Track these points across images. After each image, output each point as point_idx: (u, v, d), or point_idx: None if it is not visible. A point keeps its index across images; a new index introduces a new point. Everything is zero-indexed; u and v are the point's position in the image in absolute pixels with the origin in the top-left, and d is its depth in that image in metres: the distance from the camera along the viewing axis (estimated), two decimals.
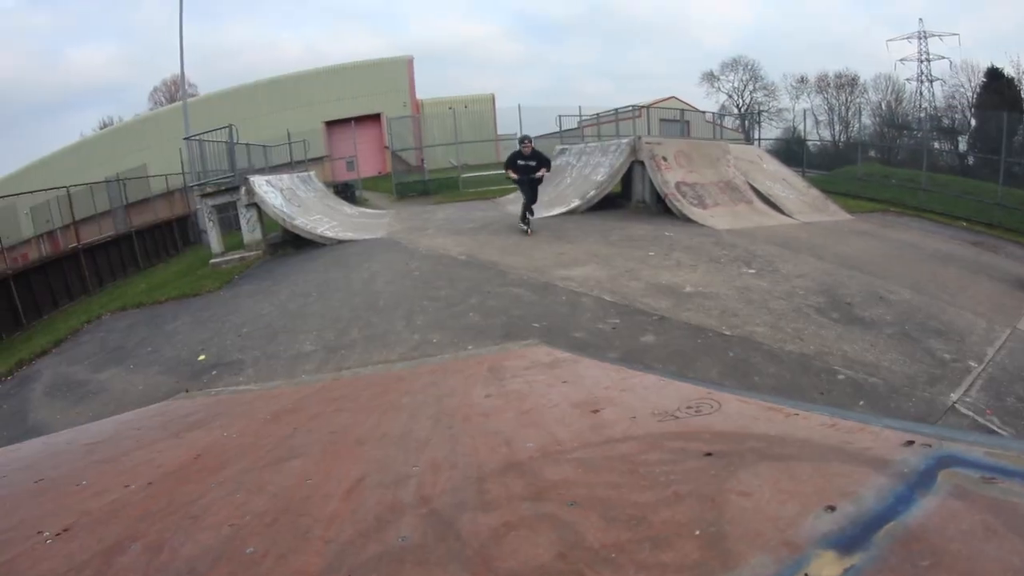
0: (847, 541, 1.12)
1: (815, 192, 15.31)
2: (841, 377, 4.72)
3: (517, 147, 10.95)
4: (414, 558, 1.31)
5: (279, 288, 8.74)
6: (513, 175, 10.59)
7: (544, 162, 10.76)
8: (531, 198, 10.75)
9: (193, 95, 34.49)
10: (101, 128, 40.20)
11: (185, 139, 12.74)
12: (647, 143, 13.01)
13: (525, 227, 10.81)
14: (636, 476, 1.55)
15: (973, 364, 5.25)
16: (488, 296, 6.97)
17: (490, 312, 6.41)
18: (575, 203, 13.13)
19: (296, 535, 1.55)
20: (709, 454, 1.62)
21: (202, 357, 6.49)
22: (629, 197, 13.68)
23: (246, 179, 11.66)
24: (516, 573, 1.18)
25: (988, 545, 1.06)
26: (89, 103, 71.03)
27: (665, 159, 12.81)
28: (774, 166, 16.44)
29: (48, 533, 1.90)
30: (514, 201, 16.38)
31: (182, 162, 18.09)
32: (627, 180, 13.67)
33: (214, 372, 5.98)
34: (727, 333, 5.55)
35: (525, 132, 21.19)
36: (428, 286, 7.65)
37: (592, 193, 13.24)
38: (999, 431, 4.12)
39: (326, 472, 1.93)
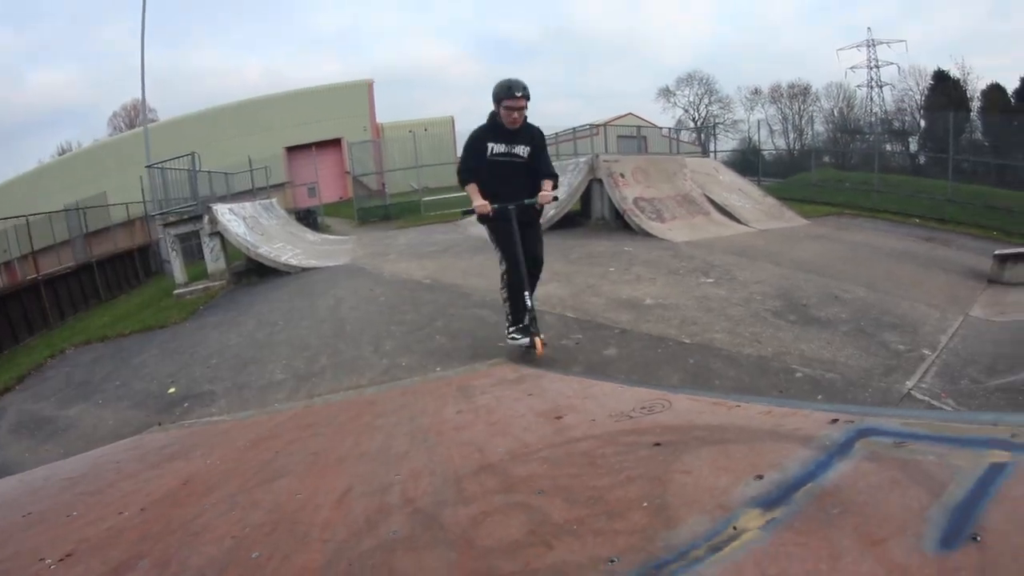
0: (771, 500, 1.34)
1: (771, 200, 15.93)
2: (799, 375, 4.95)
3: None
4: (405, 546, 1.50)
5: (245, 318, 8.77)
6: (479, 204, 4.98)
7: (541, 155, 5.23)
8: (530, 256, 5.21)
9: (153, 120, 34.05)
10: (60, 154, 39.46)
11: (147, 167, 12.67)
12: (604, 161, 13.39)
13: (523, 339, 5.22)
14: (594, 467, 1.77)
15: (927, 352, 5.55)
16: (453, 319, 7.12)
17: (456, 334, 6.56)
18: None
19: (295, 539, 1.71)
20: (658, 444, 1.85)
21: (172, 390, 6.47)
22: (589, 215, 14.01)
23: (209, 208, 11.68)
24: (494, 548, 1.38)
25: (892, 494, 1.28)
26: (47, 127, 70.10)
27: (623, 176, 13.20)
28: (730, 177, 17.03)
29: (50, 560, 1.99)
30: (476, 223, 16.02)
31: (143, 190, 17.88)
32: (586, 198, 13.99)
33: (185, 404, 5.99)
34: (687, 341, 5.78)
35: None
36: (394, 311, 7.78)
37: (552, 213, 13.48)
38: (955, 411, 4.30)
39: (314, 487, 2.09)
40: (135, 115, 40.67)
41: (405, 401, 3.99)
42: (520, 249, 5.02)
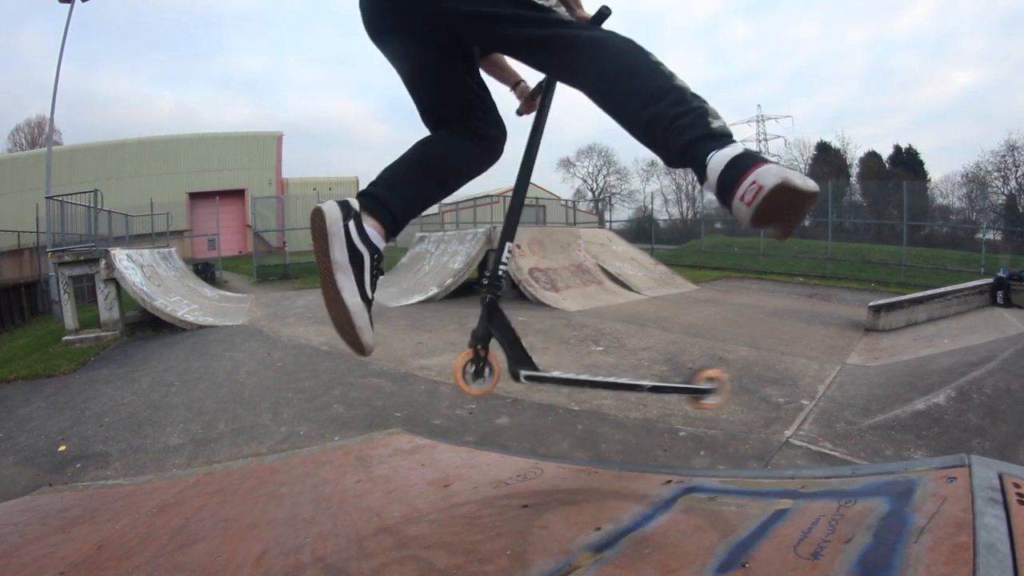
0: (602, 545, 1.80)
1: (662, 268, 17.23)
2: (683, 434, 5.45)
3: None
4: None
5: (139, 375, 8.71)
6: None
7: None
8: None
9: (58, 143, 32.38)
10: None
11: (47, 198, 12.27)
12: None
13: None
14: (473, 526, 2.22)
15: (805, 402, 6.19)
16: (351, 388, 7.40)
17: (353, 403, 6.84)
18: (433, 291, 13.97)
19: None
20: (525, 506, 2.31)
21: (63, 447, 6.34)
22: None
23: (107, 252, 11.48)
24: None
25: (692, 537, 1.73)
26: None
27: (519, 246, 13.98)
28: (623, 247, 18.28)
29: None
30: (386, 284, 16.48)
31: (37, 219, 17.00)
32: (483, 267, 14.65)
33: (78, 465, 5.89)
34: (576, 408, 6.29)
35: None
36: (291, 377, 8.00)
37: (449, 281, 14.14)
38: (832, 453, 4.87)
39: (231, 550, 2.41)
40: (38, 133, 38.71)
41: (307, 470, 4.28)
42: None
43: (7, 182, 28.43)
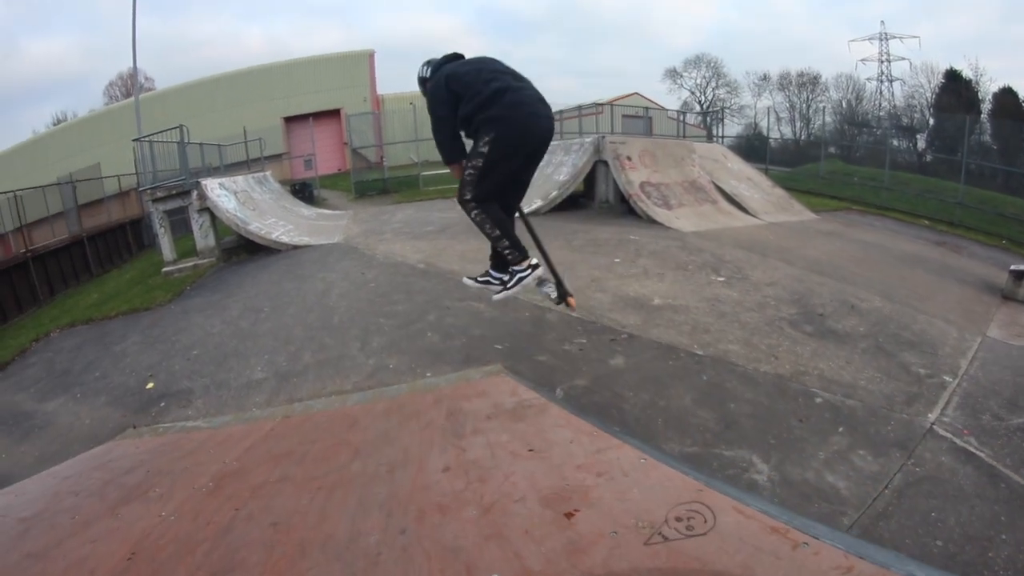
0: None
1: (780, 191, 15.38)
2: (819, 400, 4.55)
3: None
4: None
5: (230, 302, 8.38)
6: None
7: None
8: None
9: (149, 90, 33.34)
10: (55, 124, 38.81)
11: (135, 140, 12.13)
12: (611, 142, 12.86)
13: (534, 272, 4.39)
14: None
15: (948, 379, 5.15)
16: (447, 312, 6.65)
17: (449, 332, 6.10)
18: (537, 204, 12.89)
19: None
20: None
21: (150, 385, 6.13)
22: (593, 197, 13.55)
23: (198, 183, 11.20)
24: None
25: None
26: (44, 97, 68.52)
27: (629, 158, 12.68)
28: (739, 165, 16.49)
29: None
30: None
31: (135, 161, 17.39)
32: (590, 179, 13.49)
33: (162, 404, 5.63)
34: (699, 353, 5.34)
35: None
36: (384, 300, 7.34)
37: (555, 193, 13.04)
38: (977, 453, 4.00)
39: None
40: (132, 85, 40.21)
41: (387, 427, 3.62)
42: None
43: (107, 133, 29.41)
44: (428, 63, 4.34)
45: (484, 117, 3.79)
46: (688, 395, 4.59)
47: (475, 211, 4.05)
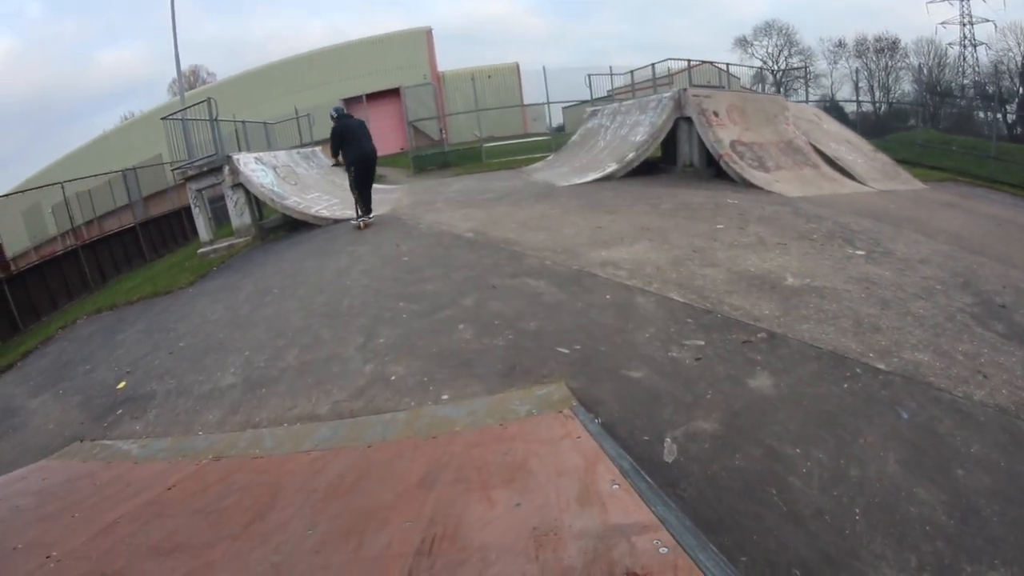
0: None
1: (884, 157, 13.04)
2: None
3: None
4: None
5: (245, 282, 7.31)
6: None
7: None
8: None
9: (209, 82, 33.19)
10: (122, 123, 39.87)
11: (163, 119, 11.12)
12: (694, 96, 10.97)
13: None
14: None
15: None
16: (491, 294, 5.08)
17: (490, 323, 4.48)
18: (612, 167, 11.19)
19: None
20: None
21: (122, 384, 5.21)
22: (672, 161, 11.77)
23: (229, 158, 10.12)
24: None
25: None
26: (117, 101, 71.99)
27: (716, 114, 10.78)
28: (835, 126, 14.26)
29: None
30: (542, 169, 14.62)
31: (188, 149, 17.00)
32: (668, 142, 11.75)
33: (119, 411, 4.65)
34: (882, 368, 3.49)
35: (552, 99, 19.32)
36: (413, 276, 5.94)
37: (631, 156, 11.26)
38: None
39: None
40: (194, 79, 40.98)
41: (329, 515, 2.32)
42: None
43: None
44: (338, 110, 9.13)
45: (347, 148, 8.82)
46: (889, 450, 2.79)
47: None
